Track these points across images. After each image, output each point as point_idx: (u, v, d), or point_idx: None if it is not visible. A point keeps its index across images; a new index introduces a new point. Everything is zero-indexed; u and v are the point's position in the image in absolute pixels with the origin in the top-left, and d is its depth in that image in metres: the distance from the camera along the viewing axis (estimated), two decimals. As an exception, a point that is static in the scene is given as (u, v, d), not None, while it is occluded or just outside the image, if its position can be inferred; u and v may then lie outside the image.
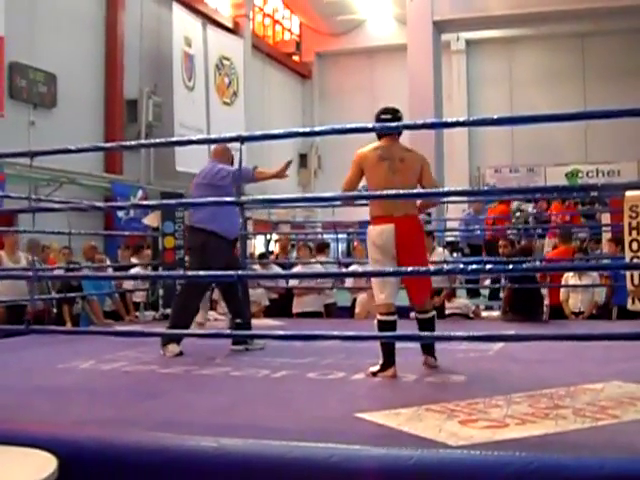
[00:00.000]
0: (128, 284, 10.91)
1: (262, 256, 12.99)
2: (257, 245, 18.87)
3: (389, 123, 5.61)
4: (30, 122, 14.95)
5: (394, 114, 5.88)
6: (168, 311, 9.94)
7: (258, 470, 3.38)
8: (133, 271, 10.32)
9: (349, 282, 10.98)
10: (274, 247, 15.28)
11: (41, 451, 3.47)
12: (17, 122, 14.40)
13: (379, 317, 5.79)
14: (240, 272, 5.73)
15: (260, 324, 8.53)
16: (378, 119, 5.82)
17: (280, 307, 10.61)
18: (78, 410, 4.43)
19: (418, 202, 5.96)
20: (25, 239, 10.45)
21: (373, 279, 5.97)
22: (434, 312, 5.93)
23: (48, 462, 3.35)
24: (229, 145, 6.46)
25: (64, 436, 3.73)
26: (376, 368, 5.44)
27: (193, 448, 3.52)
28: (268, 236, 15.48)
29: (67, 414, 4.30)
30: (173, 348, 6.66)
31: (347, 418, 4.05)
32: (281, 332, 6.48)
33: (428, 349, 5.76)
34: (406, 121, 5.38)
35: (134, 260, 11.31)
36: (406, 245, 5.62)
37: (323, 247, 12.16)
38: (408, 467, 3.21)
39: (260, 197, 5.28)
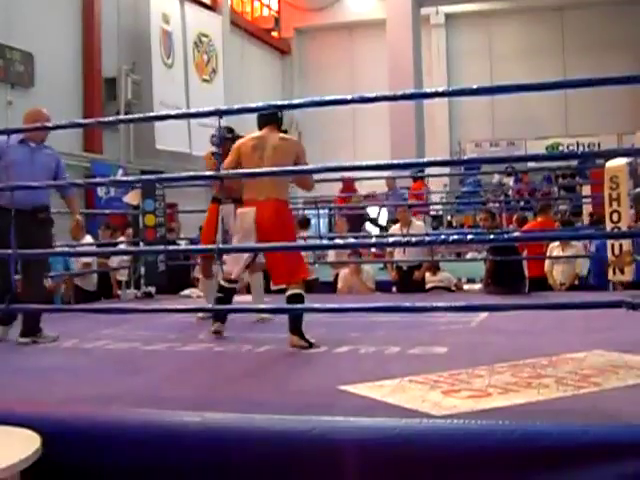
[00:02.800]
0: (113, 263, 10.88)
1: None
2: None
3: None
4: (7, 102, 14.81)
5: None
6: (150, 289, 9.96)
7: (241, 444, 3.38)
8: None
9: (331, 257, 10.99)
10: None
11: (24, 429, 3.46)
12: (-6, 102, 14.30)
13: (222, 282, 6.18)
14: (221, 245, 5.68)
15: (242, 300, 8.51)
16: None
17: (266, 283, 10.57)
18: (61, 388, 4.42)
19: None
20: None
21: (227, 256, 6.26)
22: (300, 290, 5.86)
23: (32, 440, 3.34)
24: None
25: (47, 414, 3.72)
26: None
27: (177, 423, 3.52)
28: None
29: (50, 392, 4.30)
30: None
31: (330, 391, 4.06)
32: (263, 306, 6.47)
33: (292, 328, 5.70)
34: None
35: (122, 239, 11.29)
36: (265, 227, 5.88)
37: (305, 223, 12.14)
38: (392, 437, 3.21)
39: (238, 171, 5.24)
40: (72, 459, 3.52)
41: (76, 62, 17.31)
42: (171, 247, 9.00)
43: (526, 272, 10.11)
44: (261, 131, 6.19)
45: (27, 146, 6.46)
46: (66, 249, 8.79)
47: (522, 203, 16.12)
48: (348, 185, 14.59)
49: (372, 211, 15.53)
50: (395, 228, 10.51)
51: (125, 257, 10.66)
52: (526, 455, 3.11)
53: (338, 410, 3.53)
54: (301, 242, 9.48)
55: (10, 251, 5.35)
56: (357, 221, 13.70)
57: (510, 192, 19.01)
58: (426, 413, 3.47)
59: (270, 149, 5.98)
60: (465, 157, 25.29)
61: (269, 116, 6.16)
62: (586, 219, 13.44)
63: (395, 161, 5.30)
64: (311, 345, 5.60)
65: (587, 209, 13.82)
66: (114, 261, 10.78)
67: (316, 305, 4.55)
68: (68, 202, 6.83)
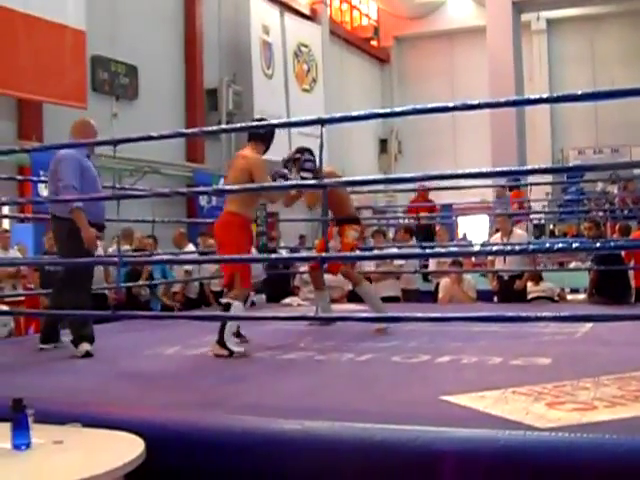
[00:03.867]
0: (206, 273, 10.97)
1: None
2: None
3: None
4: (113, 114, 15.18)
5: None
6: (253, 298, 10.05)
7: (343, 452, 3.38)
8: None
9: (432, 266, 10.92)
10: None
11: (128, 433, 3.52)
12: (100, 114, 14.56)
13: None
14: (324, 254, 5.67)
15: (343, 309, 8.53)
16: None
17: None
18: (164, 394, 4.49)
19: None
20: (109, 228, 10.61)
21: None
22: (233, 301, 6.06)
23: (136, 444, 3.39)
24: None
25: (151, 419, 3.79)
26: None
27: (277, 431, 3.53)
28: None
29: (153, 398, 4.36)
30: (84, 347, 6.02)
31: (432, 401, 4.02)
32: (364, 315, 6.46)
33: (218, 337, 5.88)
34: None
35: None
36: (216, 236, 6.56)
37: (409, 232, 12.08)
38: (495, 449, 3.16)
39: (342, 179, 5.24)
40: (174, 464, 3.58)
41: (178, 74, 17.63)
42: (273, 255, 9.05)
43: (632, 282, 9.86)
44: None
45: (90, 158, 6.51)
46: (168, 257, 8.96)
47: (626, 212, 15.73)
48: (422, 195, 14.49)
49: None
50: (496, 237, 10.38)
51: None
52: (633, 471, 3.02)
53: (440, 421, 3.49)
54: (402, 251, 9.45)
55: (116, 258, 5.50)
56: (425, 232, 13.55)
57: (615, 200, 18.58)
58: (530, 425, 3.40)
59: (232, 167, 6.56)
60: (568, 165, 24.86)
61: (251, 133, 6.68)
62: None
63: (497, 169, 5.24)
64: (232, 354, 5.75)
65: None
66: (208, 271, 10.85)
67: (419, 314, 4.52)
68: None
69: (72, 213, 5.97)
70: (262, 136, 6.55)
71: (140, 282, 9.60)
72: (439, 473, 3.23)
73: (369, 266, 10.65)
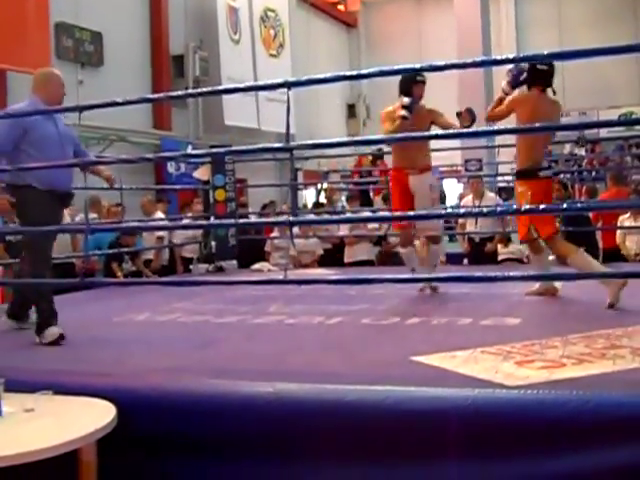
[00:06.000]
0: (177, 239, 10.92)
1: (315, 205, 12.99)
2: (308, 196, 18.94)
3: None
4: (78, 81, 14.98)
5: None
6: (222, 264, 10.04)
7: (314, 414, 3.40)
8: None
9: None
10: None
11: (100, 400, 3.53)
12: (65, 82, 14.35)
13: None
14: (292, 218, 5.60)
15: (314, 273, 8.54)
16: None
17: (334, 257, 10.60)
18: (135, 360, 4.49)
19: None
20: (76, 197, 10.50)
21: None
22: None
23: (107, 410, 3.40)
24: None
25: (122, 385, 3.79)
26: None
27: (249, 394, 3.54)
28: (319, 186, 15.41)
29: (124, 364, 4.36)
30: (52, 331, 5.20)
31: (402, 361, 4.05)
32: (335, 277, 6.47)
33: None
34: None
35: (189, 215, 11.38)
36: None
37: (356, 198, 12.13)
38: (465, 407, 3.19)
39: (308, 142, 5.21)
40: (146, 429, 3.59)
41: (144, 40, 17.44)
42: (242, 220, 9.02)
43: (600, 243, 9.95)
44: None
45: (51, 116, 5.63)
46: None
47: (594, 174, 15.83)
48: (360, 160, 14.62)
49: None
50: (467, 200, 10.42)
51: (190, 233, 10.69)
52: (601, 425, 3.06)
53: (410, 380, 3.51)
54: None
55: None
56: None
57: (583, 163, 18.70)
58: (499, 384, 3.44)
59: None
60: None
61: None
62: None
63: (464, 130, 5.25)
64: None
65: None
66: (178, 237, 10.80)
67: (388, 276, 4.53)
68: (96, 170, 6.10)
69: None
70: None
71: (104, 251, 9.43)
72: (409, 432, 3.26)
73: (343, 230, 10.70)
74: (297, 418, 3.41)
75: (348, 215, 6.85)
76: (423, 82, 6.85)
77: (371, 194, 14.07)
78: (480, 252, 9.90)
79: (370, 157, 15.02)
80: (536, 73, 6.19)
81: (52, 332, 5.17)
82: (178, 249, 11.01)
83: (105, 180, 6.06)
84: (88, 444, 3.20)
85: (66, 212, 9.99)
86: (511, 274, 4.74)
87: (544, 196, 5.93)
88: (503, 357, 4.03)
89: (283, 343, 4.91)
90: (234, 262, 10.32)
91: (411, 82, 6.73)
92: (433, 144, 7.56)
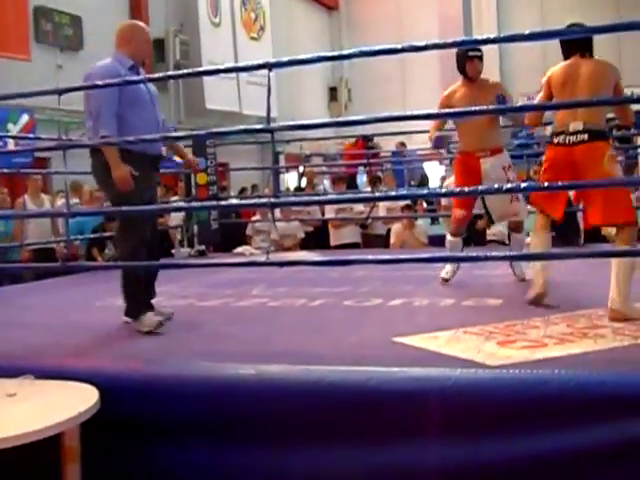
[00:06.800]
0: (172, 222, 10.87)
1: (297, 189, 12.98)
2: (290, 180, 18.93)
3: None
4: (57, 65, 14.92)
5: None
6: (203, 247, 10.02)
7: (296, 395, 3.40)
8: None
9: (382, 213, 10.96)
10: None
11: (83, 384, 3.52)
12: (45, 66, 14.35)
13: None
14: (273, 200, 5.55)
15: (296, 256, 8.53)
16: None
17: (316, 240, 10.61)
18: (117, 344, 4.49)
19: None
20: (57, 183, 10.50)
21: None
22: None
23: (90, 393, 3.40)
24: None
25: (104, 368, 3.79)
26: None
27: (232, 376, 3.55)
28: (300, 169, 15.38)
29: (106, 348, 4.36)
30: (150, 319, 4.81)
31: (385, 343, 4.06)
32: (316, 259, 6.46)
33: None
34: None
35: (175, 198, 11.35)
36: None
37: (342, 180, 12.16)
38: (447, 387, 3.21)
39: (289, 123, 5.17)
40: (129, 412, 3.58)
41: (124, 24, 17.33)
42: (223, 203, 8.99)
43: (582, 224, 9.98)
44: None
45: (139, 74, 5.24)
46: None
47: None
48: (361, 143, 14.63)
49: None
50: (450, 181, 10.43)
51: (179, 215, 10.67)
52: (583, 404, 3.08)
53: (393, 361, 3.52)
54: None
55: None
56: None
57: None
58: (481, 363, 3.46)
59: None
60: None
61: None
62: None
63: (446, 110, 5.25)
64: None
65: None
66: (173, 220, 10.77)
67: (369, 257, 4.54)
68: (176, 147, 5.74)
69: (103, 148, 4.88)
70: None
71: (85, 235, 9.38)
72: (392, 412, 3.27)
73: (329, 213, 10.71)
74: (280, 399, 3.41)
75: (329, 197, 6.85)
76: (478, 57, 6.32)
77: (364, 178, 14.05)
78: (470, 230, 9.91)
79: (358, 141, 14.98)
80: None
81: (151, 320, 4.80)
82: (173, 231, 10.90)
83: (187, 165, 5.85)
84: (71, 428, 3.19)
85: (45, 197, 9.99)
86: (492, 254, 4.76)
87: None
88: (485, 337, 4.05)
89: (266, 326, 4.91)
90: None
91: (463, 59, 6.28)
92: (415, 126, 7.53)
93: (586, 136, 4.81)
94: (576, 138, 4.84)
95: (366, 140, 14.30)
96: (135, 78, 5.06)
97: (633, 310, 4.49)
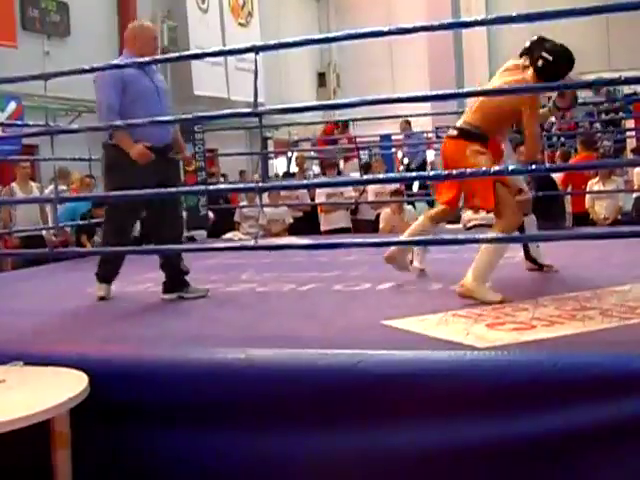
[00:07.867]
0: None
1: (286, 175, 12.97)
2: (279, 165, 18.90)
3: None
4: (45, 52, 14.88)
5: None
6: (193, 233, 10.00)
7: (286, 379, 3.40)
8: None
9: (371, 198, 10.97)
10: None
11: (72, 369, 3.52)
12: (32, 53, 14.30)
13: None
14: (261, 184, 5.57)
15: (285, 242, 8.52)
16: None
17: (307, 226, 10.61)
18: (107, 330, 4.48)
19: None
20: (45, 171, 10.46)
21: None
22: None
23: (79, 379, 3.39)
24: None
25: (94, 354, 3.78)
26: None
27: (221, 360, 3.55)
28: (289, 154, 15.37)
29: (96, 334, 4.35)
30: (99, 289, 5.54)
31: (374, 326, 4.06)
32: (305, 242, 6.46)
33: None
34: (425, 34, 5.12)
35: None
36: None
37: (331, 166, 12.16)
38: (436, 369, 3.22)
39: (277, 107, 5.16)
40: (119, 397, 3.57)
41: (111, 10, 17.26)
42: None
43: (570, 208, 10.03)
44: None
45: (145, 70, 5.55)
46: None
47: (563, 139, 15.90)
48: (330, 128, 14.68)
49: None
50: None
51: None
52: (571, 385, 3.09)
53: (382, 344, 3.53)
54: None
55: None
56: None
57: (553, 129, 18.74)
58: (470, 345, 3.46)
59: None
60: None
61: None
62: (629, 155, 13.29)
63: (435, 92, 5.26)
64: None
65: (630, 145, 13.64)
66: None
67: (358, 240, 4.54)
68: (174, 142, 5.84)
69: (114, 137, 5.35)
70: None
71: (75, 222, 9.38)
72: (382, 396, 3.27)
73: (320, 198, 10.72)
74: (269, 383, 3.42)
75: (316, 180, 6.85)
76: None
77: (341, 164, 14.04)
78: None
79: (339, 125, 14.99)
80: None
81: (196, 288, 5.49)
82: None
83: (184, 162, 6.25)
84: (61, 414, 3.19)
85: (34, 185, 9.96)
86: (479, 237, 4.76)
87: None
88: (474, 320, 4.05)
89: (255, 310, 4.91)
90: (203, 232, 10.28)
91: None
92: (402, 110, 7.50)
93: (455, 133, 5.17)
94: (449, 133, 5.30)
95: (339, 125, 14.37)
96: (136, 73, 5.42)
97: (485, 292, 4.67)
